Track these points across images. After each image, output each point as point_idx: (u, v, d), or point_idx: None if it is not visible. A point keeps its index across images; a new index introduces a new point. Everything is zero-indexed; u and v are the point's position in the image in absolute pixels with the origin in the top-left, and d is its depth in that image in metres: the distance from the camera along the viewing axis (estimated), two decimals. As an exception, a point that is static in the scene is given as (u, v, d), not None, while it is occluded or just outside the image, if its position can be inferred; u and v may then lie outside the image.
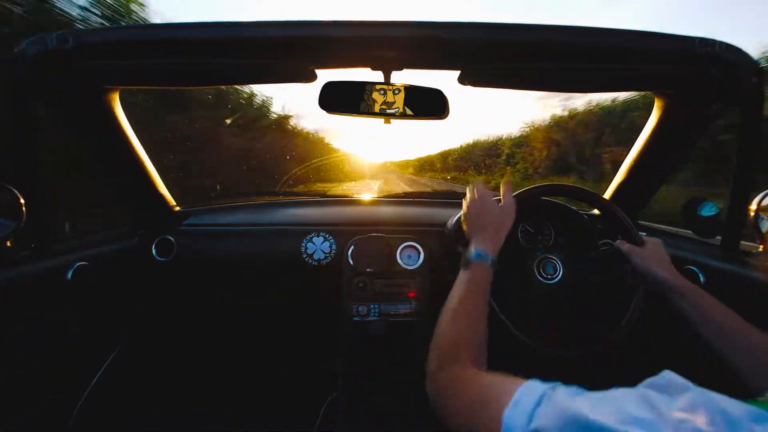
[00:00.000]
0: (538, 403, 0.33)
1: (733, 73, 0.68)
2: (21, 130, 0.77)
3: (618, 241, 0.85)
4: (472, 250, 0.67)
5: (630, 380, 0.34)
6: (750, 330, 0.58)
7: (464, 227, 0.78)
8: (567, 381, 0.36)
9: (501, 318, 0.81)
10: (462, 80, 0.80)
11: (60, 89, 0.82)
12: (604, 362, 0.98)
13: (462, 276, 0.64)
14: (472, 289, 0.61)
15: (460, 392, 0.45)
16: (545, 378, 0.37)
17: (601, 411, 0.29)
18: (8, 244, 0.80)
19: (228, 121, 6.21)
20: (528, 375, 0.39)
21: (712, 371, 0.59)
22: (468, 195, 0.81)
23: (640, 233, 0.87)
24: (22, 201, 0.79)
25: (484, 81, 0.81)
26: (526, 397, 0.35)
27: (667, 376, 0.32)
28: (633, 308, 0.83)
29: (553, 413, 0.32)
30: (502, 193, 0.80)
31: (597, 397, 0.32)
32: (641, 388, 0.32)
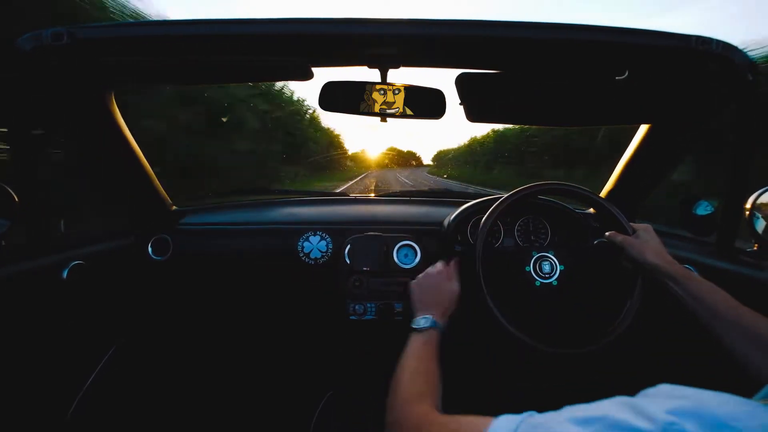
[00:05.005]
0: (515, 430, 0.33)
1: (730, 70, 0.69)
2: (18, 128, 0.76)
3: (610, 232, 0.85)
4: (430, 317, 0.73)
5: (630, 380, 0.33)
6: (745, 312, 0.58)
7: (416, 293, 0.84)
8: (567, 380, 0.36)
9: (499, 319, 0.81)
10: (459, 80, 0.80)
11: (56, 86, 0.82)
12: (605, 360, 0.98)
13: (417, 339, 0.70)
14: (429, 351, 0.67)
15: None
16: (545, 377, 0.37)
17: (582, 423, 0.29)
18: (3, 242, 0.79)
19: (224, 120, 6.32)
20: (528, 375, 0.38)
21: (715, 367, 0.58)
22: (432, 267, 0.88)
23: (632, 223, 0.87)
24: (17, 199, 0.78)
25: (482, 83, 0.80)
26: (502, 428, 0.34)
27: (663, 388, 0.31)
28: (633, 299, 0.83)
29: None
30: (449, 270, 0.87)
31: (574, 409, 0.31)
32: (631, 398, 0.31)
